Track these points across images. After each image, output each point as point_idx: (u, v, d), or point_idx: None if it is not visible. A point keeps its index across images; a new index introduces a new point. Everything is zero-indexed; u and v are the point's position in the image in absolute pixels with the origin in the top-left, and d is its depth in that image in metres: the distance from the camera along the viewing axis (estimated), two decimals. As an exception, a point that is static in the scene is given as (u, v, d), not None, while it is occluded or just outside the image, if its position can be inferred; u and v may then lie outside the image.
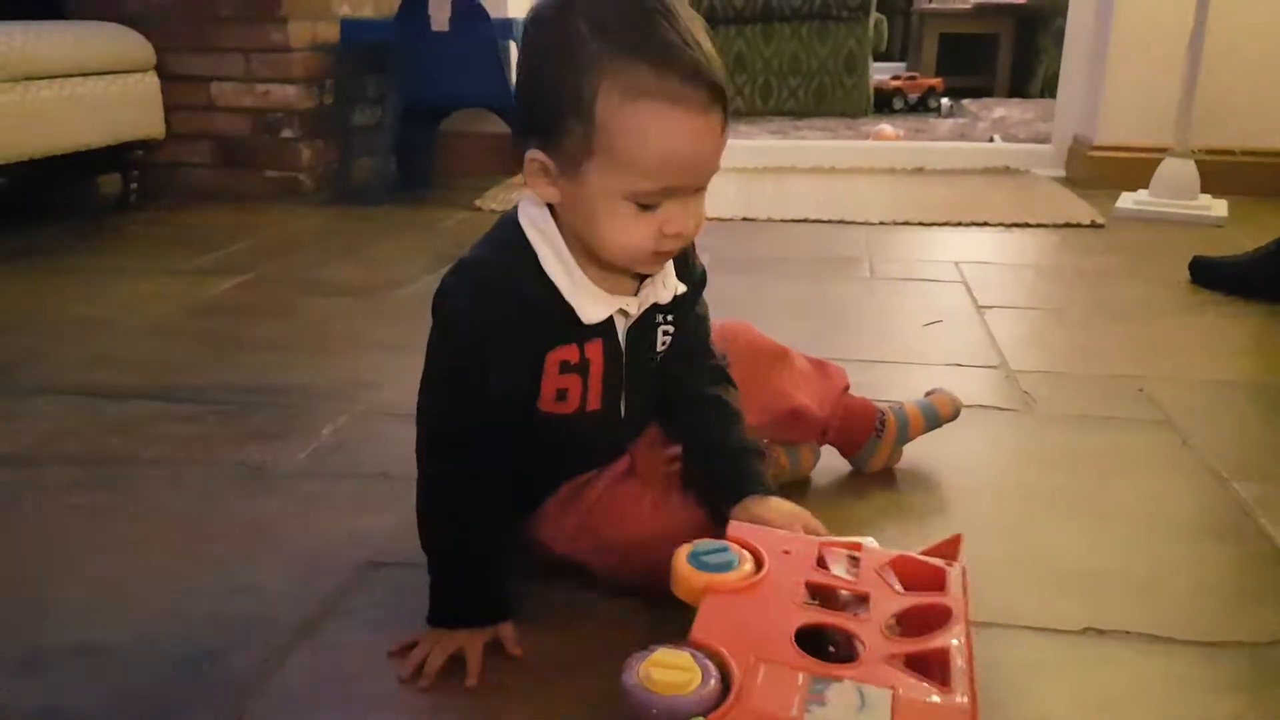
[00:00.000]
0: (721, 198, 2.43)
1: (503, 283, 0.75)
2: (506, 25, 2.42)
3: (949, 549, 0.75)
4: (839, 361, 1.06)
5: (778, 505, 0.80)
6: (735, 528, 0.73)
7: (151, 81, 2.48)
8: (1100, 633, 0.78)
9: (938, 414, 1.07)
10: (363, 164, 2.75)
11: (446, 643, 0.74)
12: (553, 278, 0.75)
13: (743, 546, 0.70)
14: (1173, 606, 0.82)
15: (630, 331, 0.80)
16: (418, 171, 2.73)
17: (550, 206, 0.76)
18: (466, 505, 0.77)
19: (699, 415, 0.85)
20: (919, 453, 1.07)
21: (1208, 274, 1.75)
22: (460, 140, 2.86)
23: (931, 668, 0.61)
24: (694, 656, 0.60)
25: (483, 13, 2.33)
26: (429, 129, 2.78)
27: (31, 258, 2.03)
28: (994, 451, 1.12)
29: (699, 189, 0.72)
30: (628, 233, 0.71)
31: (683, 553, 0.69)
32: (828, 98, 4.27)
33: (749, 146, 3.18)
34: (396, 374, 1.31)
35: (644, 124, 0.68)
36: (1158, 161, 2.33)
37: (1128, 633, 0.78)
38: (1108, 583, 0.85)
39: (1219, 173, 2.40)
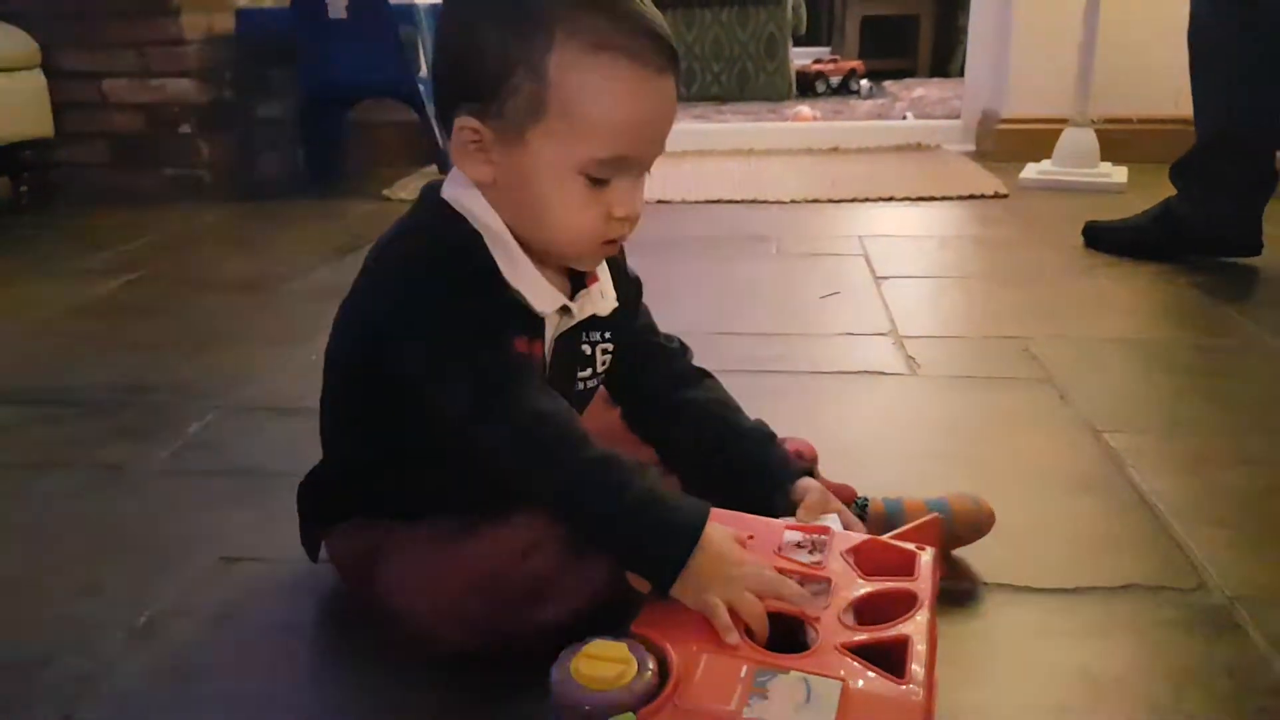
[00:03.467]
0: (636, 181, 2.40)
1: (463, 250, 0.66)
2: (407, 11, 2.38)
3: (926, 533, 0.71)
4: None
5: (820, 488, 0.74)
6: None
7: (37, 80, 2.39)
8: (960, 586, 0.78)
9: (950, 510, 0.80)
10: (268, 158, 2.68)
11: (722, 587, 0.60)
12: (497, 260, 0.67)
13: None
14: (1036, 557, 0.82)
15: (556, 342, 0.71)
16: (326, 164, 2.67)
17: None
18: (583, 437, 0.63)
19: (700, 408, 0.78)
20: (799, 419, 1.05)
21: (1101, 238, 1.78)
22: (371, 131, 2.81)
23: (892, 657, 0.58)
24: (630, 647, 0.56)
25: (380, -1, 2.28)
26: (336, 120, 2.72)
27: (-92, 265, 1.94)
28: (875, 415, 1.12)
29: (645, 167, 0.67)
30: (577, 213, 0.65)
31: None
32: (750, 82, 4.27)
33: (671, 131, 3.16)
34: (275, 367, 1.28)
35: (606, 79, 0.62)
36: (1061, 132, 2.37)
37: (986, 584, 0.78)
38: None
39: (1119, 141, 2.45)
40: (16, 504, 0.97)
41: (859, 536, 0.69)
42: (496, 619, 0.65)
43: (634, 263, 0.83)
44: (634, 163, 0.66)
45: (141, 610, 0.77)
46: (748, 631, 0.59)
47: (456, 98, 0.65)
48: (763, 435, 0.79)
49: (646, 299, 0.84)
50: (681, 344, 0.84)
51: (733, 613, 0.59)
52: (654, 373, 0.80)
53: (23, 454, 1.08)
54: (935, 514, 0.74)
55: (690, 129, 3.28)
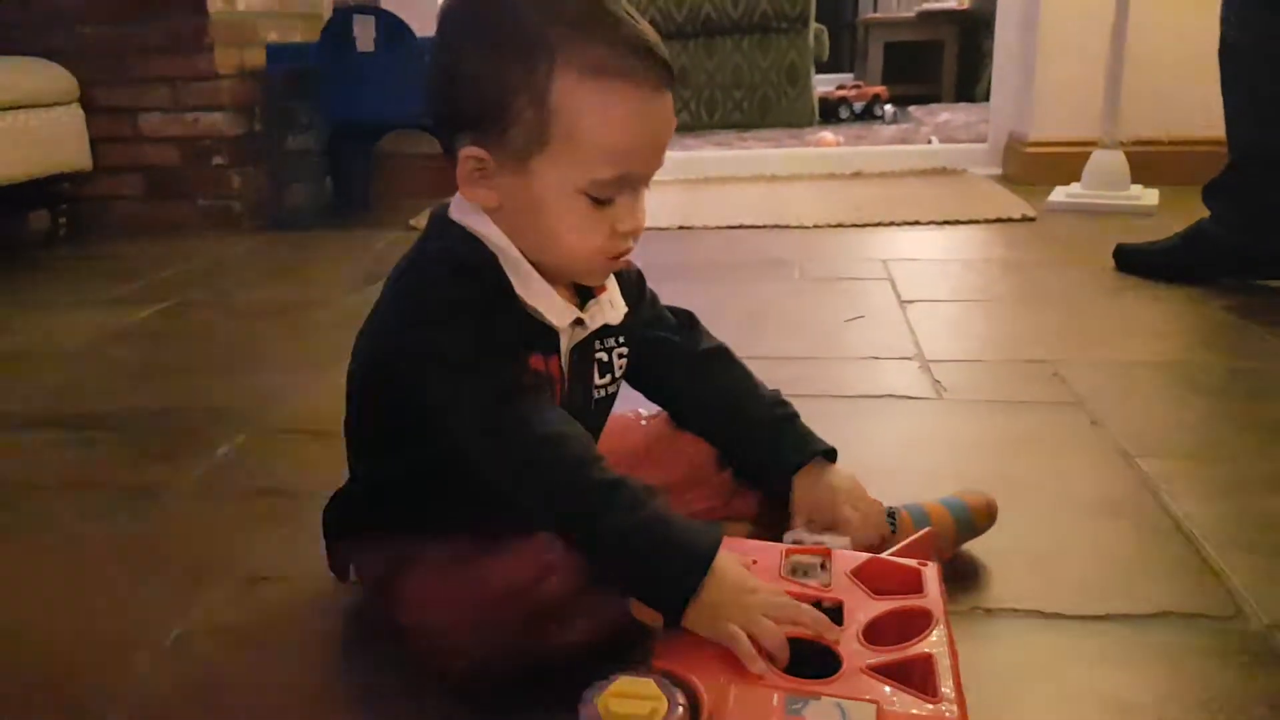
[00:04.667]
0: (662, 207, 2.42)
1: (479, 271, 0.67)
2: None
3: (921, 548, 0.71)
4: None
5: (844, 478, 0.77)
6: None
7: (76, 114, 2.45)
8: (988, 611, 0.77)
9: (967, 509, 0.83)
10: (296, 189, 2.73)
11: (739, 615, 0.59)
12: (511, 279, 0.68)
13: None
14: (1064, 583, 0.80)
15: (571, 354, 0.72)
16: (354, 194, 2.71)
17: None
18: (594, 460, 0.64)
19: (707, 384, 0.81)
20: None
21: (1131, 261, 1.76)
22: (399, 161, 2.85)
23: (914, 676, 0.57)
24: (658, 683, 0.55)
25: (408, 31, 2.32)
26: (364, 151, 2.76)
27: (-51, 295, 1.99)
28: (901, 439, 1.11)
29: (646, 181, 0.68)
30: (583, 233, 0.66)
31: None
32: (772, 109, 4.30)
33: (692, 158, 3.18)
34: (303, 391, 1.29)
35: (608, 105, 0.63)
36: (1089, 155, 2.36)
37: (1015, 610, 0.77)
38: (1002, 562, 0.83)
39: (1150, 163, 2.42)
40: (51, 524, 0.99)
41: (861, 556, 0.68)
42: (513, 637, 0.65)
43: (655, 288, 0.84)
44: (636, 179, 0.67)
45: (171, 626, 0.78)
46: (768, 658, 0.58)
47: (458, 127, 0.67)
48: (773, 420, 0.81)
49: None
50: (689, 319, 0.85)
51: (753, 640, 0.58)
52: (666, 376, 0.82)
53: (58, 475, 1.10)
54: (928, 529, 0.75)
55: (711, 155, 3.30)
